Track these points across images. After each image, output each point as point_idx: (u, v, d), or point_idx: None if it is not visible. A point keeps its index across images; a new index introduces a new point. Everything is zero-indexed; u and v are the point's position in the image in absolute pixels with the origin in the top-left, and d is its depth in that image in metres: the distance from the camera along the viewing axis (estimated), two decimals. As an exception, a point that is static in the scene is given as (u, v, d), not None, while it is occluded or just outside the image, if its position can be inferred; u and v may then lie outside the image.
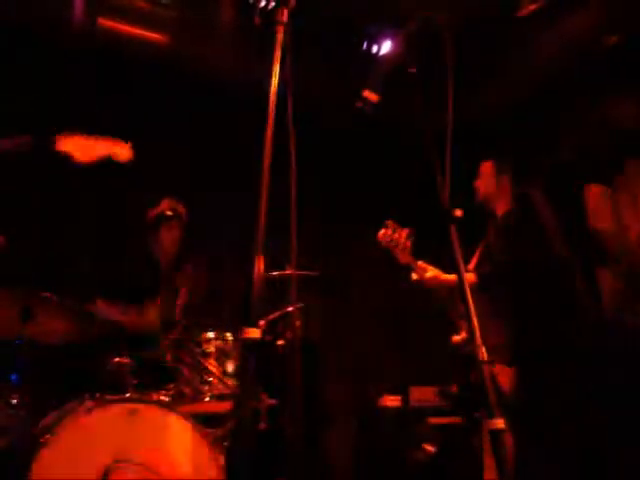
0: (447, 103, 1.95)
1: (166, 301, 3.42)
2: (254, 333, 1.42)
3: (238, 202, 3.28)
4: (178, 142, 4.74)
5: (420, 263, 3.21)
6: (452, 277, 3.11)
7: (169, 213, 3.66)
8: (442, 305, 3.25)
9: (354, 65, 4.20)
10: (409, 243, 3.16)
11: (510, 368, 2.96)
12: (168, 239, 3.70)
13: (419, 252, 3.26)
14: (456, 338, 3.21)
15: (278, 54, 1.67)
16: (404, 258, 3.20)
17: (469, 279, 3.01)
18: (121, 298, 3.29)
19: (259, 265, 1.59)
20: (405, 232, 3.15)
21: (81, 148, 2.70)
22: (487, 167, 3.41)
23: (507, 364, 2.96)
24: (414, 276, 3.22)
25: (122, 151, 2.80)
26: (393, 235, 3.17)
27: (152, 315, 3.32)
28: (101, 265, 3.79)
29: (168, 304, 3.42)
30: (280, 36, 1.70)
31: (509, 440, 2.65)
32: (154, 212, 3.71)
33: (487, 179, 3.38)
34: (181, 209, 3.74)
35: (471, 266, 3.30)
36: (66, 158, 2.67)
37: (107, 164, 2.65)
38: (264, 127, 1.73)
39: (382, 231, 3.20)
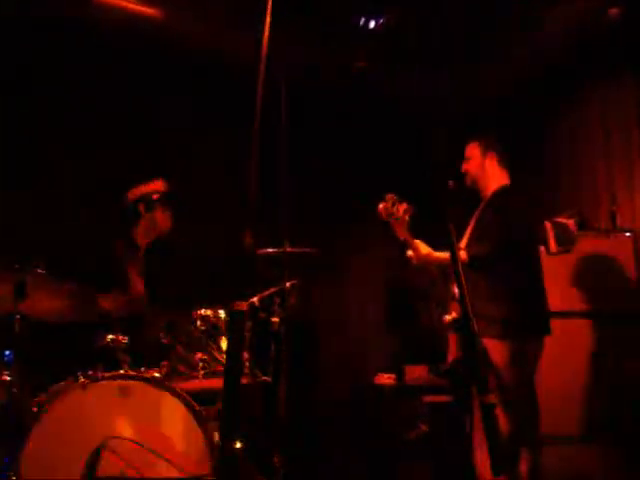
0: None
1: (152, 282, 3.34)
2: (242, 306, 1.40)
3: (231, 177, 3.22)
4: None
5: (416, 241, 3.25)
6: (445, 255, 3.16)
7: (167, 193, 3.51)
8: (434, 283, 3.27)
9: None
10: (407, 218, 3.16)
11: (502, 343, 2.98)
12: (164, 219, 3.55)
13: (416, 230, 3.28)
14: (447, 318, 3.22)
15: (268, 21, 1.62)
16: (402, 233, 3.21)
17: (460, 257, 3.02)
18: (104, 286, 3.05)
19: (249, 239, 1.56)
20: (403, 207, 3.15)
21: None
22: (473, 148, 3.41)
23: (499, 339, 2.98)
24: (409, 253, 3.28)
25: None
26: (392, 208, 3.16)
27: (137, 297, 3.24)
28: (81, 256, 3.44)
29: (153, 284, 3.34)
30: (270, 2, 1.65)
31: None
32: (146, 191, 3.52)
33: (474, 161, 3.38)
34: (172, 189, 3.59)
35: (462, 244, 3.30)
36: None
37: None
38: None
39: (382, 204, 3.18)
